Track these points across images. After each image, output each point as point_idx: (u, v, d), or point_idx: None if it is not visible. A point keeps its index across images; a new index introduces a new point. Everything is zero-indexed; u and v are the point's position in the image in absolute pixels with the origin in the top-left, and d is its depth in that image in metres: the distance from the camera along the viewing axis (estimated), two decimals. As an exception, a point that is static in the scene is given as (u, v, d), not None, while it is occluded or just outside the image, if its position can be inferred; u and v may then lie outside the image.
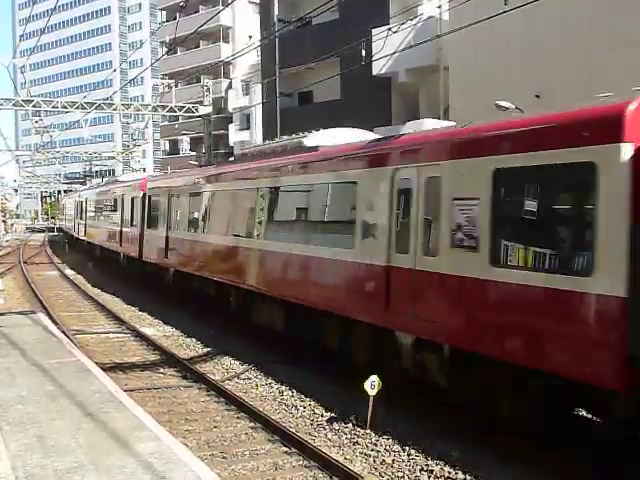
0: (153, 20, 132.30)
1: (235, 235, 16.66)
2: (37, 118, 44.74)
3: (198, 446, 9.22)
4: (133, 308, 21.53)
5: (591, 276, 7.37)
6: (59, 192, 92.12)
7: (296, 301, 13.51)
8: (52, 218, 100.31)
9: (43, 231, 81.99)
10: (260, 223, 15.42)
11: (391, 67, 28.75)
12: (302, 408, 11.01)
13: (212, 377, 12.78)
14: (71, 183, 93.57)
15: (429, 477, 8.27)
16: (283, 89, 36.37)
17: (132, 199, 28.02)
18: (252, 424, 10.21)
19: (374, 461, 8.82)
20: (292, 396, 11.66)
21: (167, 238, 22.14)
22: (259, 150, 17.41)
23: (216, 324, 17.76)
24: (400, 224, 10.55)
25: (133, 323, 18.75)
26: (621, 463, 7.79)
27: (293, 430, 9.73)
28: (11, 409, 8.65)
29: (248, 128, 58.99)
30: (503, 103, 19.06)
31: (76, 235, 47.31)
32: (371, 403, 9.81)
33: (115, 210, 31.94)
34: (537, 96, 19.42)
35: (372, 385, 9.78)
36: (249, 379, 12.86)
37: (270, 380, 12.65)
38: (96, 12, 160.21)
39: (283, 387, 12.16)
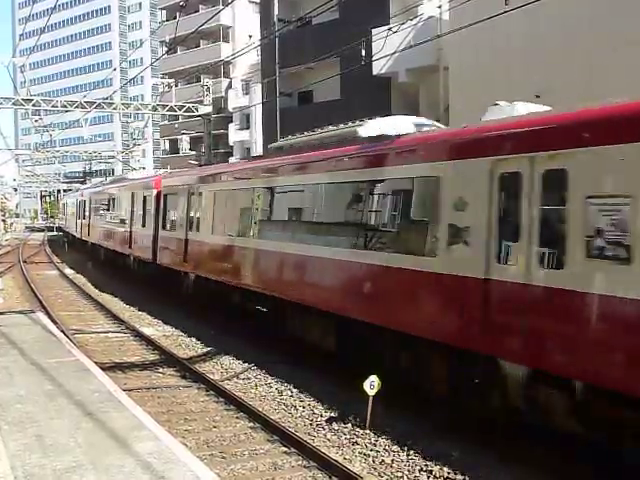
0: (153, 19, 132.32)
1: (278, 240, 14.59)
2: (37, 117, 44.68)
3: (197, 446, 9.21)
4: (132, 308, 21.52)
5: None
6: (59, 191, 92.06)
7: (355, 317, 11.65)
8: (51, 217, 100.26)
9: (43, 230, 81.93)
10: (315, 225, 13.57)
11: (391, 67, 28.70)
12: (301, 408, 11.00)
13: (211, 377, 12.77)
14: (71, 182, 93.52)
15: (428, 477, 8.26)
16: (283, 89, 36.33)
17: (144, 198, 25.95)
18: (251, 424, 10.20)
19: (373, 461, 8.81)
20: (291, 396, 11.65)
21: (186, 241, 20.29)
22: (303, 142, 15.19)
23: (216, 324, 17.75)
24: (504, 228, 8.79)
25: (132, 323, 18.74)
26: (621, 463, 7.77)
27: (292, 430, 9.72)
28: (10, 408, 8.63)
29: (248, 128, 59.01)
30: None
31: (78, 236, 45.13)
32: (370, 403, 9.80)
33: (124, 210, 29.72)
34: (537, 96, 19.38)
35: (371, 385, 9.77)
36: (248, 379, 12.85)
37: (269, 380, 12.64)
38: (96, 11, 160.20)
39: (282, 387, 12.16)
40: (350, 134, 13.02)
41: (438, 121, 15.26)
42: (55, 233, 70.36)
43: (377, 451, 9.09)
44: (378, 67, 28.14)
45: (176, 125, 61.47)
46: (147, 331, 17.56)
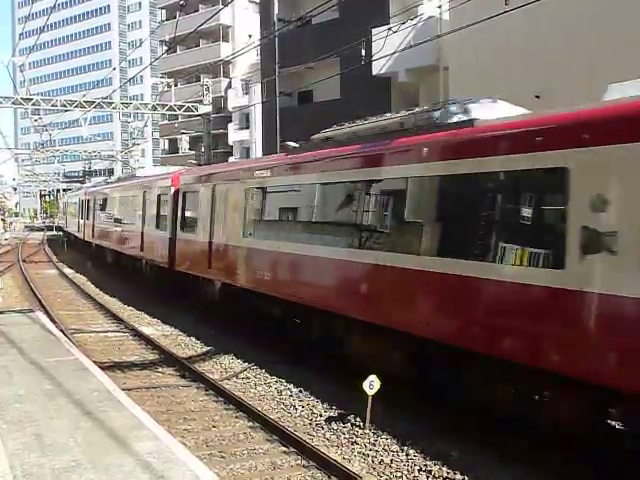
0: (153, 19, 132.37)
1: (347, 246, 12.02)
2: (36, 116, 44.66)
3: (196, 445, 9.20)
4: (132, 307, 21.50)
5: None
6: (58, 191, 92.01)
7: (444, 341, 9.70)
8: (51, 217, 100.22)
9: (42, 230, 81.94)
10: (404, 229, 11.15)
11: (391, 67, 28.70)
12: (301, 408, 10.99)
13: (211, 376, 12.76)
14: (70, 182, 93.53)
15: (427, 477, 8.25)
16: (283, 88, 36.34)
17: (158, 197, 23.66)
18: (251, 423, 10.19)
19: (372, 461, 8.80)
20: (291, 396, 11.64)
21: (211, 244, 18.05)
22: (364, 130, 12.82)
23: (216, 324, 17.73)
24: None
25: (132, 322, 18.73)
26: (621, 463, 7.77)
27: (291, 430, 9.71)
28: (9, 407, 8.61)
29: (247, 127, 59.07)
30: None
31: (80, 236, 42.83)
32: (370, 403, 9.79)
33: (134, 209, 27.31)
34: (537, 96, 19.40)
35: (371, 385, 9.76)
36: (248, 379, 12.84)
37: (269, 380, 12.63)
38: (96, 10, 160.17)
39: (282, 387, 12.15)
40: (425, 120, 11.04)
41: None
42: (54, 233, 70.33)
43: (376, 451, 9.09)
44: (378, 67, 28.14)
45: (176, 125, 61.46)
46: (146, 330, 17.54)
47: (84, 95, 37.75)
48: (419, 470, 8.42)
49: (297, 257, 13.81)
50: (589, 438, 8.09)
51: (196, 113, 37.62)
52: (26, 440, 7.43)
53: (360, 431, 9.75)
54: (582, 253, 7.68)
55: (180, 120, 48.25)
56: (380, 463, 8.71)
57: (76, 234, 45.71)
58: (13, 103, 35.38)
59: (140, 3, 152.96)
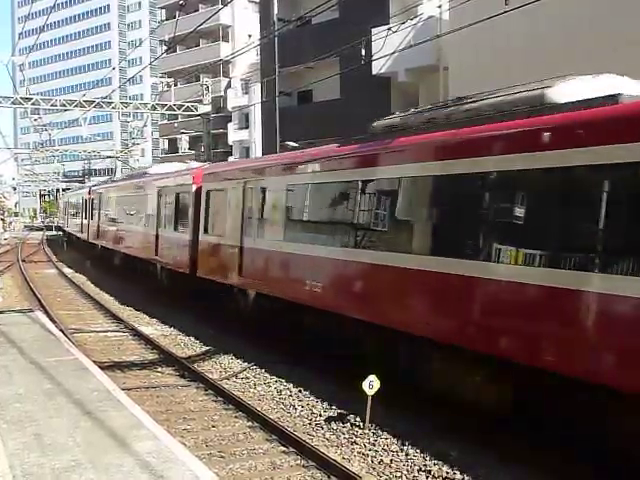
0: (152, 18, 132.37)
1: (454, 255, 9.61)
2: (36, 116, 44.73)
3: (196, 445, 9.19)
4: (131, 307, 21.48)
5: None
6: (57, 190, 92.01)
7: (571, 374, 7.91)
8: (51, 216, 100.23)
9: (42, 229, 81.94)
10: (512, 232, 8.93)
11: (391, 67, 28.70)
12: (300, 408, 10.99)
13: (210, 376, 12.76)
14: (70, 181, 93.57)
15: (427, 477, 8.24)
16: (283, 88, 36.30)
17: (177, 195, 21.59)
18: (250, 423, 10.18)
19: (372, 461, 8.79)
20: (290, 395, 11.63)
21: (242, 249, 16.10)
22: (446, 114, 11.06)
23: (215, 324, 17.72)
24: None
25: (131, 322, 18.72)
26: (621, 463, 7.76)
27: (291, 429, 9.71)
28: (9, 407, 8.61)
29: (247, 127, 59.09)
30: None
31: (83, 238, 40.66)
32: (369, 403, 9.79)
33: (147, 209, 25.25)
34: (537, 96, 19.38)
35: (370, 385, 9.76)
36: (247, 378, 12.83)
37: (268, 379, 12.62)
38: (95, 10, 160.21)
39: (281, 386, 12.14)
40: (532, 100, 9.28)
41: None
42: (54, 232, 70.29)
43: (376, 451, 9.08)
44: (378, 67, 28.13)
45: (175, 124, 61.49)
46: (146, 330, 17.54)
47: (84, 95, 37.78)
48: (419, 470, 8.41)
49: (370, 268, 11.34)
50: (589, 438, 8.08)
51: (196, 113, 37.69)
52: (26, 440, 7.42)
53: (360, 431, 9.75)
54: None
55: (180, 120, 48.32)
56: (380, 463, 8.71)
57: (78, 235, 43.83)
58: (13, 103, 35.42)
59: (140, 3, 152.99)
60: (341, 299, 12.32)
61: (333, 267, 12.57)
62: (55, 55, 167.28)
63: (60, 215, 68.20)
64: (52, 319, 17.57)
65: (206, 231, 18.86)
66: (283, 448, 9.15)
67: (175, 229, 21.59)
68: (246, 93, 57.90)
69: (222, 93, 63.53)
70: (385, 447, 9.17)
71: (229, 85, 64.58)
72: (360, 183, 11.96)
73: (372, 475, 8.35)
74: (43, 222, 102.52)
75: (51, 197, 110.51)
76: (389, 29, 18.58)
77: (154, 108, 38.19)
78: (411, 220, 10.98)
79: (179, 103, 38.16)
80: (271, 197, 15.11)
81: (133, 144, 67.43)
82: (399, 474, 8.35)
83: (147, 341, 16.19)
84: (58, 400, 8.96)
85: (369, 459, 8.85)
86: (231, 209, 17.09)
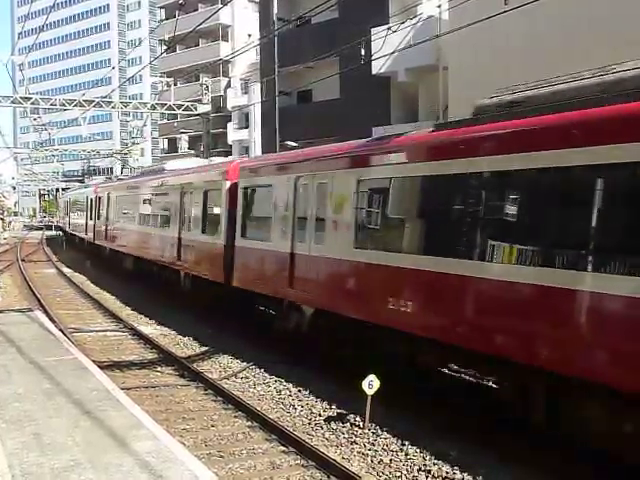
0: (152, 18, 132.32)
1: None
2: (36, 116, 44.74)
3: (195, 445, 9.19)
4: (131, 306, 21.48)
5: None
6: (57, 190, 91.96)
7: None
8: (50, 216, 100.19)
9: (41, 229, 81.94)
10: None
11: (390, 66, 28.72)
12: (300, 407, 10.98)
13: (210, 376, 12.75)
14: (69, 181, 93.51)
15: (427, 477, 8.24)
16: (282, 88, 36.30)
17: (205, 193, 19.10)
18: (249, 423, 10.18)
19: (372, 460, 8.79)
20: (290, 395, 11.62)
21: (293, 256, 13.70)
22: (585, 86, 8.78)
23: (214, 323, 17.71)
24: None
25: (131, 321, 18.71)
26: (621, 463, 7.76)
27: (291, 429, 9.70)
28: (8, 407, 8.60)
29: (247, 127, 59.10)
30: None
31: (89, 239, 38.14)
32: (369, 402, 9.78)
33: (166, 209, 22.79)
34: (537, 96, 19.39)
35: (370, 385, 9.75)
36: (247, 378, 12.83)
37: (268, 379, 12.61)
38: (95, 10, 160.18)
39: (281, 386, 12.13)
40: None
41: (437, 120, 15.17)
42: (54, 232, 70.23)
43: (375, 450, 9.08)
44: (377, 66, 28.16)
45: (175, 124, 61.45)
46: (145, 330, 17.53)
47: (83, 94, 37.77)
48: (418, 470, 8.41)
49: (507, 288, 8.79)
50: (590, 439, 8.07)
51: (195, 112, 37.69)
52: (25, 439, 7.42)
53: (359, 431, 9.74)
54: None
55: (179, 119, 48.31)
56: (379, 463, 8.70)
57: (82, 236, 41.32)
58: (12, 102, 35.41)
59: (139, 2, 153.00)
60: (451, 324, 9.72)
61: (435, 282, 10.01)
62: (55, 55, 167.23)
63: (60, 215, 67.04)
64: (51, 318, 17.56)
65: (244, 235, 16.35)
66: (282, 448, 9.15)
67: (203, 232, 19.02)
68: (246, 93, 57.90)
69: (222, 93, 63.50)
70: (385, 447, 9.16)
71: (229, 85, 64.56)
72: (489, 175, 9.30)
73: (372, 475, 8.35)
74: (41, 222, 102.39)
75: (50, 197, 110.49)
76: (389, 29, 18.58)
77: (154, 108, 38.19)
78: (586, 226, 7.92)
79: (179, 103, 38.16)
80: (335, 195, 12.54)
81: (133, 143, 67.40)
82: (399, 474, 8.34)
83: (146, 341, 16.18)
84: (57, 399, 8.96)
85: (369, 459, 8.84)
86: (278, 209, 14.59)
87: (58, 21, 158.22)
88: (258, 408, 10.71)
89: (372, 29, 23.49)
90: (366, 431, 9.70)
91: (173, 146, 74.68)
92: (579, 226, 8.06)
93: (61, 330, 15.69)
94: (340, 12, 32.55)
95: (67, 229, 52.53)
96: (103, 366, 12.72)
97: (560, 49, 19.59)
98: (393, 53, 22.85)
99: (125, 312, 20.52)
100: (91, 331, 17.54)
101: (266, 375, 12.85)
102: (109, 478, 6.37)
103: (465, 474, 8.14)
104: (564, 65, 19.30)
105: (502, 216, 9.06)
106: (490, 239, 9.13)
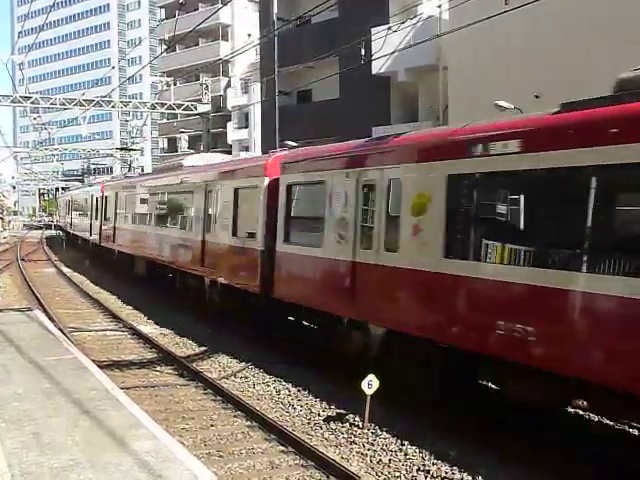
0: (152, 18, 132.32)
1: None
2: (35, 115, 44.72)
3: (194, 445, 9.17)
4: (130, 306, 21.46)
5: None
6: (57, 189, 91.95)
7: None
8: (50, 215, 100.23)
9: (41, 228, 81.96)
10: None
11: (390, 66, 28.74)
12: (299, 407, 10.97)
13: (209, 375, 12.74)
14: (69, 180, 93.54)
15: (426, 477, 8.23)
16: (282, 88, 36.36)
17: (236, 192, 16.89)
18: (249, 423, 10.17)
19: (371, 460, 8.78)
20: (289, 395, 11.61)
21: (355, 266, 11.61)
22: None
23: (214, 323, 17.70)
24: None
25: (130, 321, 18.70)
26: (621, 463, 7.76)
27: (290, 429, 9.69)
28: (7, 406, 8.60)
29: (246, 127, 59.14)
30: (502, 103, 19.07)
31: (94, 240, 36.03)
32: (368, 402, 9.78)
33: (188, 209, 20.54)
34: (536, 96, 19.41)
35: (369, 385, 9.74)
36: (246, 378, 12.81)
37: (267, 379, 12.60)
38: (95, 9, 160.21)
39: (280, 386, 12.12)
40: None
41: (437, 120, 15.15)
42: (53, 231, 70.19)
43: (375, 450, 9.06)
44: (377, 66, 28.19)
45: (175, 123, 61.51)
46: (145, 329, 17.52)
47: (83, 94, 37.74)
48: (418, 470, 8.40)
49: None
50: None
51: (195, 112, 37.66)
52: (24, 439, 7.41)
53: (359, 431, 9.73)
54: None
55: (179, 119, 48.35)
56: (379, 463, 8.69)
57: (86, 237, 39.17)
58: (12, 101, 35.38)
59: (139, 2, 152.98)
60: (600, 361, 7.67)
61: (575, 305, 7.86)
62: (54, 54, 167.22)
63: (61, 214, 65.80)
64: (51, 318, 17.56)
65: (288, 239, 14.14)
66: (282, 447, 9.13)
67: (234, 234, 16.77)
68: (245, 92, 57.95)
69: (222, 92, 63.51)
70: (384, 447, 9.15)
71: (229, 84, 64.58)
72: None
73: (371, 475, 8.34)
74: (40, 221, 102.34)
75: (50, 196, 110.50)
76: (389, 29, 18.59)
77: (153, 107, 38.17)
78: None
79: (178, 102, 38.13)
80: (416, 193, 10.43)
81: (132, 143, 67.39)
82: (398, 474, 8.33)
83: (146, 340, 16.16)
84: (57, 399, 8.95)
85: (368, 459, 8.83)
86: (335, 210, 12.43)
87: (58, 20, 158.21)
88: (257, 408, 10.70)
89: (372, 29, 23.50)
90: (365, 431, 9.69)
91: (173, 146, 74.66)
92: None
93: (60, 329, 15.68)
94: (340, 12, 32.58)
95: (69, 229, 50.75)
96: (102, 365, 12.71)
97: (560, 49, 19.62)
98: (393, 53, 22.87)
99: (125, 311, 20.50)
100: (91, 330, 17.52)
101: (265, 375, 12.83)
102: (108, 478, 6.37)
103: (465, 474, 8.13)
104: (564, 65, 19.37)
105: None
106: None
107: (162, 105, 37.73)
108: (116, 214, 30.49)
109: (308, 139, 28.10)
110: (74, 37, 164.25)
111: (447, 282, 9.64)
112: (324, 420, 10.28)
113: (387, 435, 9.48)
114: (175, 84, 52.54)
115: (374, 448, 9.13)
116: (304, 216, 14.28)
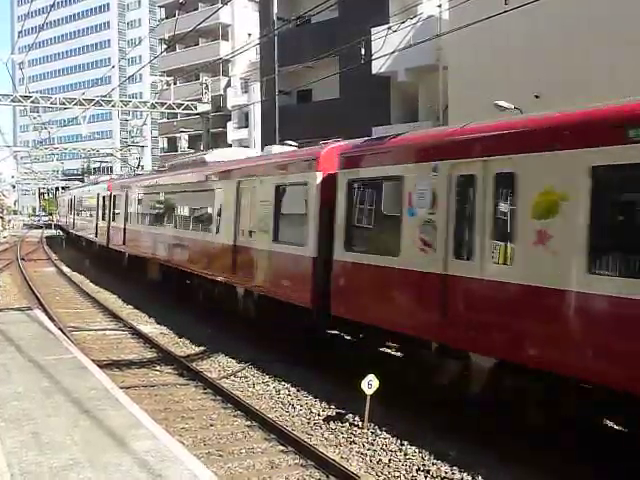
0: (152, 17, 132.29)
1: None
2: (35, 114, 44.67)
3: (194, 444, 9.17)
4: (130, 305, 21.46)
5: None
6: (57, 189, 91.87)
7: None
8: (50, 215, 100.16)
9: (41, 227, 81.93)
10: None
11: (390, 66, 28.74)
12: (299, 407, 10.97)
13: (209, 375, 12.73)
14: (69, 179, 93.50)
15: (426, 477, 8.22)
16: (282, 87, 36.37)
17: (277, 190, 14.66)
18: (248, 422, 10.16)
19: (371, 460, 8.77)
20: (289, 395, 11.61)
21: (447, 280, 9.51)
22: None
23: (213, 323, 17.70)
24: None
25: (130, 320, 18.69)
26: (621, 463, 7.76)
27: (289, 429, 9.69)
28: (7, 406, 8.60)
29: (247, 126, 59.07)
30: (502, 103, 19.07)
31: (100, 242, 33.91)
32: (368, 402, 9.77)
33: (216, 210, 18.15)
34: (536, 96, 19.42)
35: (369, 384, 9.74)
36: (246, 377, 12.81)
37: (267, 379, 12.59)
38: (95, 9, 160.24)
39: (280, 386, 12.12)
40: None
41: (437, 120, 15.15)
42: (53, 231, 70.15)
43: (374, 450, 9.06)
44: (377, 66, 28.20)
45: (175, 123, 61.48)
46: (145, 329, 17.51)
47: (83, 93, 37.72)
48: (417, 470, 8.40)
49: None
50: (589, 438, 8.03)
51: (195, 112, 37.64)
52: (24, 438, 7.41)
53: (358, 430, 9.73)
54: None
55: (179, 119, 48.34)
56: (378, 462, 8.69)
57: (91, 239, 37.09)
58: (12, 101, 35.36)
59: (139, 1, 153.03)
60: None
61: None
62: (55, 53, 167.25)
63: (62, 214, 63.58)
64: (51, 317, 17.55)
65: (349, 245, 11.97)
66: (282, 447, 9.13)
67: (275, 239, 14.58)
68: (245, 92, 57.91)
69: (222, 92, 63.47)
70: (384, 447, 9.15)
71: (229, 84, 64.55)
72: None
73: (370, 475, 8.34)
74: (39, 220, 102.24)
75: (50, 195, 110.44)
76: (389, 28, 18.61)
77: (153, 107, 38.14)
78: None
79: (178, 102, 38.10)
80: (536, 190, 8.23)
81: (132, 142, 67.35)
82: (397, 474, 8.33)
83: (146, 340, 16.16)
84: (56, 398, 8.95)
85: (368, 458, 8.83)
86: (417, 212, 10.26)
87: (58, 20, 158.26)
88: (257, 407, 10.69)
89: (372, 29, 23.52)
90: (365, 431, 9.68)
91: (173, 145, 74.65)
92: None
93: (60, 329, 15.68)
94: (340, 12, 32.58)
95: (70, 230, 48.59)
96: (102, 365, 12.70)
97: (560, 49, 19.62)
98: (393, 53, 22.88)
99: (125, 311, 20.50)
100: (90, 330, 17.52)
101: (265, 374, 12.82)
102: (108, 477, 6.37)
103: (464, 474, 8.13)
104: (564, 65, 19.37)
105: None
106: None
107: (162, 105, 37.71)
108: (127, 214, 28.34)
109: (308, 139, 28.09)
110: (74, 36, 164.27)
111: (596, 305, 7.53)
112: (324, 420, 10.28)
113: (387, 435, 9.48)
114: (175, 84, 52.51)
115: (374, 448, 9.13)
116: (374, 218, 11.95)
